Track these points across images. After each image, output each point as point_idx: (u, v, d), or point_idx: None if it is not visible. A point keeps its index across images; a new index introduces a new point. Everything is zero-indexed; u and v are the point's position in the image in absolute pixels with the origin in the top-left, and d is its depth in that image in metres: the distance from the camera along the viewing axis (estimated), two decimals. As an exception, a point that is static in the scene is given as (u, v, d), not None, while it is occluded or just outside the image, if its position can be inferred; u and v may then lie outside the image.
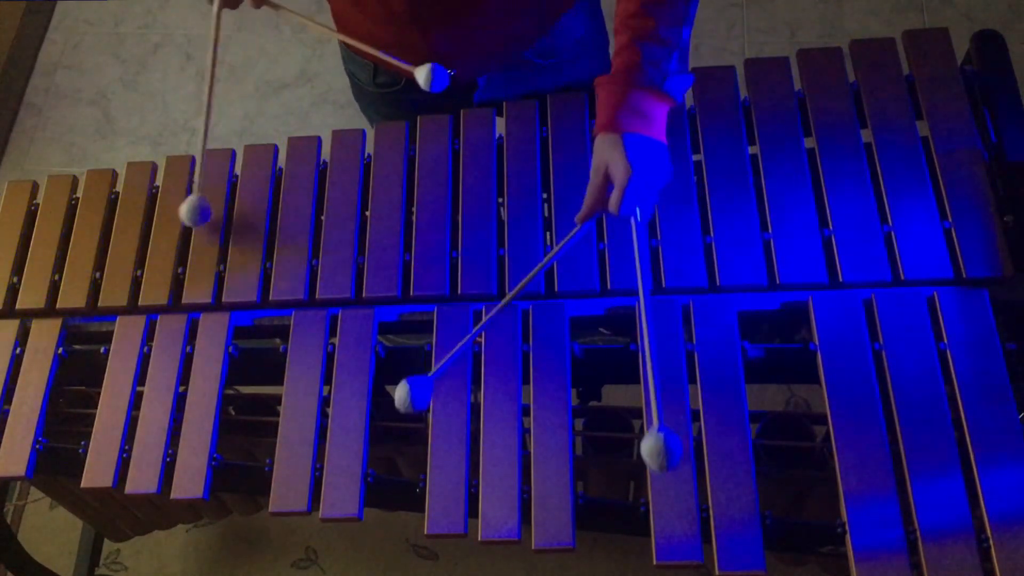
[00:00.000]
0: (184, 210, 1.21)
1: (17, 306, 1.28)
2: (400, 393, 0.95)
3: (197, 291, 1.24)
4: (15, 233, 1.34)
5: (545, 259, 1.04)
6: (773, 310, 1.15)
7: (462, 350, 1.05)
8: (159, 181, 1.36)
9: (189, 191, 1.32)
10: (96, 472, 1.14)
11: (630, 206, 0.97)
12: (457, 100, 1.29)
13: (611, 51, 1.06)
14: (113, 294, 1.26)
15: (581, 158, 1.25)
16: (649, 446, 0.88)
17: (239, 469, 1.17)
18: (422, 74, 1.09)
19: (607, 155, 0.99)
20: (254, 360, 1.21)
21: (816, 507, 1.26)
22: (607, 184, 1.00)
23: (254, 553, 1.94)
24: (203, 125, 1.23)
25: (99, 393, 1.19)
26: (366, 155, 1.32)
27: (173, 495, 1.11)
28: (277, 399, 1.16)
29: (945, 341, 1.07)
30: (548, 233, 1.22)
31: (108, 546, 1.95)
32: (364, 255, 1.23)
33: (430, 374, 0.98)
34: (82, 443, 1.16)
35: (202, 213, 1.23)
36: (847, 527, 0.98)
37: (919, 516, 0.98)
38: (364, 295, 1.20)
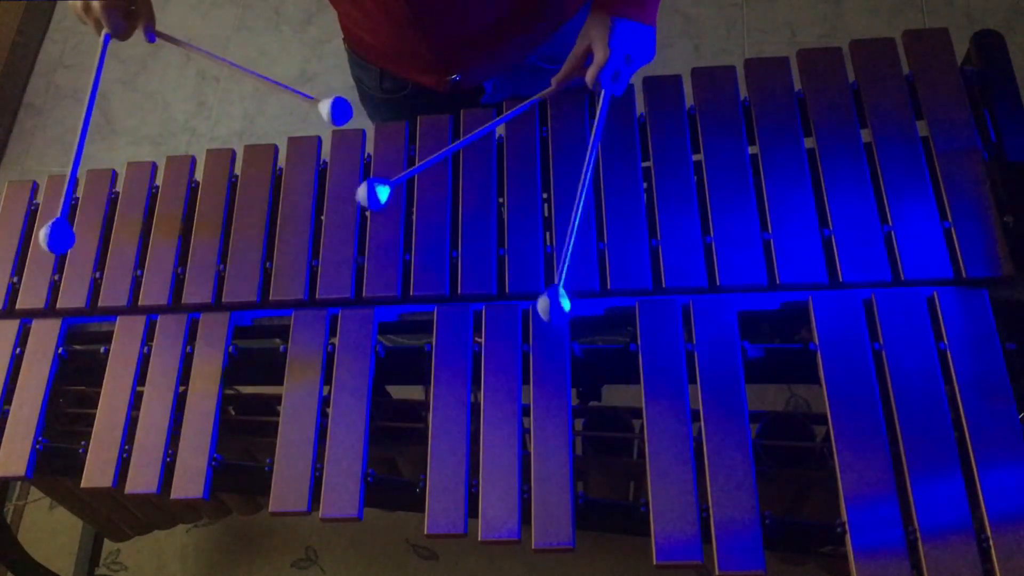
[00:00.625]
0: (42, 235, 1.09)
1: (17, 306, 1.28)
2: (361, 193, 1.01)
3: (197, 291, 1.24)
4: (15, 233, 1.34)
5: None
6: (773, 310, 1.15)
7: (435, 160, 1.14)
8: (159, 181, 1.36)
9: (189, 192, 1.33)
10: (96, 472, 1.14)
11: (604, 83, 1.09)
12: (464, 105, 1.30)
13: None
14: (113, 294, 1.26)
15: (581, 158, 1.24)
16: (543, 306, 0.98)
17: (239, 469, 1.17)
18: (324, 108, 1.14)
19: (594, 33, 1.08)
20: (254, 360, 1.21)
21: (816, 507, 1.26)
22: (586, 57, 1.09)
23: (254, 553, 1.94)
24: (76, 146, 1.19)
25: (99, 393, 1.19)
26: (366, 155, 1.32)
27: (173, 495, 1.11)
28: (277, 399, 1.16)
29: (945, 341, 1.07)
30: (548, 233, 1.22)
31: (108, 546, 1.95)
32: (364, 255, 1.23)
33: (393, 179, 1.05)
34: (82, 443, 1.16)
35: (60, 239, 1.10)
36: (847, 527, 0.98)
37: (919, 516, 0.98)
38: (364, 295, 1.20)
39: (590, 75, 1.09)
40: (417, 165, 1.13)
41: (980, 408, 1.02)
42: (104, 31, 1.16)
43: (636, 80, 1.29)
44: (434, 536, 1.05)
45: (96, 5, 1.12)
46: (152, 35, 1.19)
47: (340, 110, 1.12)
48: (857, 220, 1.15)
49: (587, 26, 1.10)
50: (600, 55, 1.07)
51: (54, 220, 1.10)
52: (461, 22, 1.17)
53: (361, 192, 1.02)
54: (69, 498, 1.49)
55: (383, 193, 1.02)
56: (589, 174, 1.07)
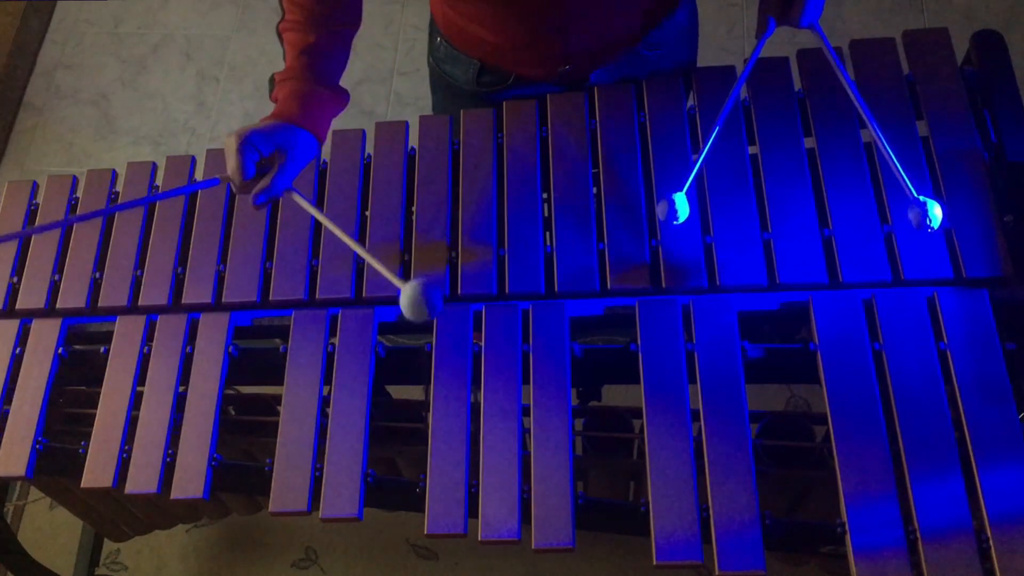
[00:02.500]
0: None
1: (17, 306, 1.28)
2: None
3: (197, 291, 1.24)
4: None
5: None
6: (773, 310, 1.15)
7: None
8: (159, 181, 1.36)
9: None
10: (96, 472, 1.14)
11: (811, 14, 1.05)
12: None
13: None
14: (113, 294, 1.26)
15: (581, 158, 1.25)
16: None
17: (239, 469, 1.17)
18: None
19: None
20: (254, 360, 1.21)
21: (816, 507, 1.26)
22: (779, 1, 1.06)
23: (254, 553, 1.94)
24: None
25: (99, 393, 1.19)
26: (366, 155, 1.32)
27: (173, 495, 1.11)
28: (277, 399, 1.16)
29: (945, 341, 1.07)
30: (548, 233, 1.22)
31: (108, 546, 1.95)
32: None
33: None
34: (82, 443, 1.16)
35: None
36: (847, 527, 0.98)
37: (919, 516, 0.98)
38: (364, 295, 1.20)
39: (796, 12, 1.05)
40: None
41: (980, 408, 1.02)
42: (226, 179, 1.06)
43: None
44: (434, 536, 1.05)
45: (230, 145, 1.03)
46: (261, 199, 1.05)
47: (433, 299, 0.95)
48: (857, 220, 1.15)
49: None
50: None
51: None
52: (600, 15, 1.18)
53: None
54: (69, 498, 1.49)
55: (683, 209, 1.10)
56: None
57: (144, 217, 1.32)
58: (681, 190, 1.10)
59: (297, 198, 1.08)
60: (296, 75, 1.10)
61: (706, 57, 2.38)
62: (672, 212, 1.09)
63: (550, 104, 1.29)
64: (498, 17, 1.18)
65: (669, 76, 1.29)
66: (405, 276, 1.21)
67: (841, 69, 1.08)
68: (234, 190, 1.08)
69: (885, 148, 1.05)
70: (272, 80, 1.12)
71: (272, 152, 1.05)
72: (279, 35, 1.14)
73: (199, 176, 1.35)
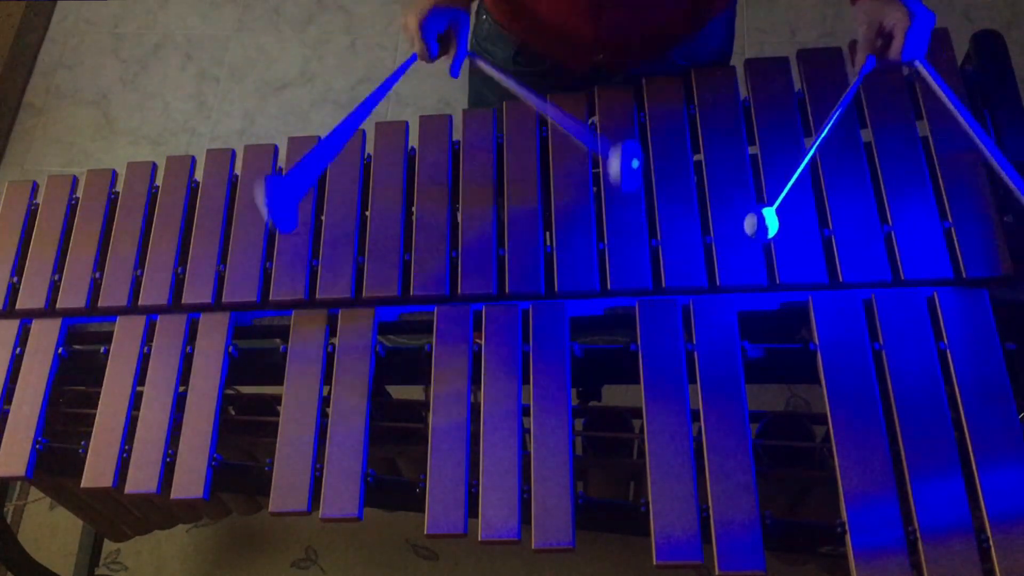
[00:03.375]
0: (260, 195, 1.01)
1: (17, 306, 1.28)
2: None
3: (197, 291, 1.24)
4: (15, 233, 1.34)
5: (806, 159, 1.06)
6: (773, 310, 1.15)
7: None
8: (159, 181, 1.36)
9: (189, 192, 1.32)
10: (96, 472, 1.14)
11: (913, 50, 1.03)
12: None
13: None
14: (113, 294, 1.26)
15: (581, 158, 1.25)
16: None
17: (239, 469, 1.17)
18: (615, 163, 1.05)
19: (878, 11, 1.04)
20: (254, 360, 1.21)
21: (816, 507, 1.26)
22: (878, 36, 1.05)
23: (254, 553, 1.94)
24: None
25: (99, 393, 1.19)
26: (366, 155, 1.32)
27: (173, 495, 1.11)
28: (277, 399, 1.16)
29: (945, 341, 1.07)
30: (548, 233, 1.22)
31: (108, 546, 1.95)
32: (364, 255, 1.23)
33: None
34: (82, 443, 1.16)
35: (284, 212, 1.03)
36: (847, 527, 0.98)
37: (919, 516, 0.98)
38: (364, 295, 1.20)
39: (896, 47, 1.04)
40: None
41: (980, 408, 1.02)
42: (414, 50, 1.18)
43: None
44: (434, 536, 1.05)
45: (413, 24, 1.15)
46: (457, 70, 1.19)
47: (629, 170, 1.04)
48: (857, 220, 1.15)
49: (866, 12, 1.06)
50: (904, 20, 1.02)
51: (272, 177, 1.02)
52: (639, 14, 1.19)
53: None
54: (69, 498, 1.49)
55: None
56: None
57: (144, 217, 1.32)
58: (772, 205, 1.03)
59: (482, 65, 1.21)
60: None
61: (706, 57, 2.38)
62: (762, 227, 1.01)
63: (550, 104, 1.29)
64: None
65: (669, 78, 1.30)
66: (406, 276, 1.21)
67: (957, 106, 1.06)
68: (423, 60, 1.18)
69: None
70: None
71: (447, 27, 1.16)
72: None
73: (199, 176, 1.35)
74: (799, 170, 1.05)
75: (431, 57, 1.17)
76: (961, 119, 1.06)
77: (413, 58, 1.20)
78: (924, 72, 1.05)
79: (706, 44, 1.29)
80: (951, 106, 1.07)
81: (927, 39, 1.05)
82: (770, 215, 1.01)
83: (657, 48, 1.27)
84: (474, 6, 1.21)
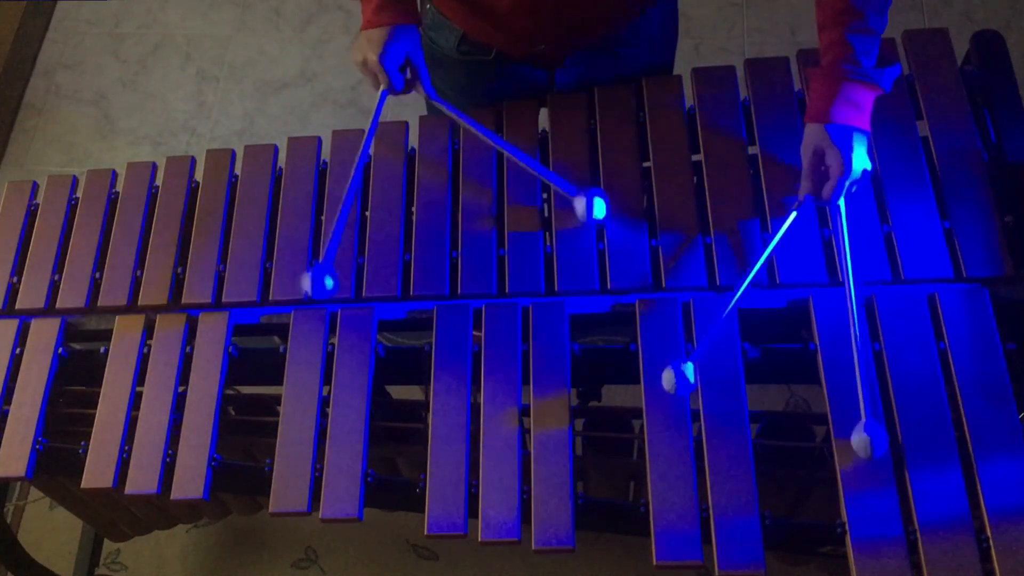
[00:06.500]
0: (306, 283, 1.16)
1: (17, 306, 1.28)
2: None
3: (197, 291, 1.24)
4: (15, 233, 1.34)
5: (768, 248, 1.11)
6: (774, 309, 1.15)
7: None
8: (159, 181, 1.36)
9: (189, 192, 1.32)
10: (96, 472, 1.14)
11: (839, 196, 1.09)
12: (539, 81, 1.31)
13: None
14: (113, 294, 1.26)
15: (580, 158, 1.25)
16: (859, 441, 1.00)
17: (239, 469, 1.17)
18: (581, 204, 1.15)
19: (823, 143, 1.08)
20: (254, 360, 1.21)
21: (816, 507, 1.26)
22: (819, 168, 1.09)
23: (254, 553, 1.94)
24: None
25: (99, 393, 1.19)
26: (366, 155, 1.32)
27: (173, 495, 1.11)
28: (277, 399, 1.16)
29: (945, 341, 1.07)
30: (548, 233, 1.22)
31: (108, 546, 1.95)
32: (364, 255, 1.23)
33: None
34: (82, 443, 1.16)
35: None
36: (847, 527, 0.98)
37: (919, 515, 0.98)
38: (364, 295, 1.20)
39: (828, 190, 1.09)
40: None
41: (980, 408, 1.02)
42: (381, 87, 1.21)
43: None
44: (434, 536, 1.05)
45: (373, 60, 1.16)
46: (431, 89, 1.23)
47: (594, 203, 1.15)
48: (857, 220, 1.15)
49: (811, 137, 1.09)
50: (838, 168, 1.07)
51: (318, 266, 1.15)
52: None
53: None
54: (69, 498, 1.49)
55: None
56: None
57: (144, 217, 1.32)
58: (692, 360, 1.05)
59: (438, 104, 1.24)
60: None
61: (706, 57, 2.39)
62: (682, 382, 1.03)
63: (550, 104, 1.29)
64: None
65: (671, 77, 1.30)
66: (406, 276, 1.21)
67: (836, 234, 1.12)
68: (393, 97, 1.21)
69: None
70: None
71: (405, 58, 1.18)
72: None
73: (199, 177, 1.35)
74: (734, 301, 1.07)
75: (398, 91, 1.20)
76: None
77: (384, 95, 1.22)
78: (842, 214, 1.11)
79: (646, 30, 1.28)
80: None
81: (846, 190, 1.09)
82: (688, 370, 1.03)
83: (596, 34, 1.26)
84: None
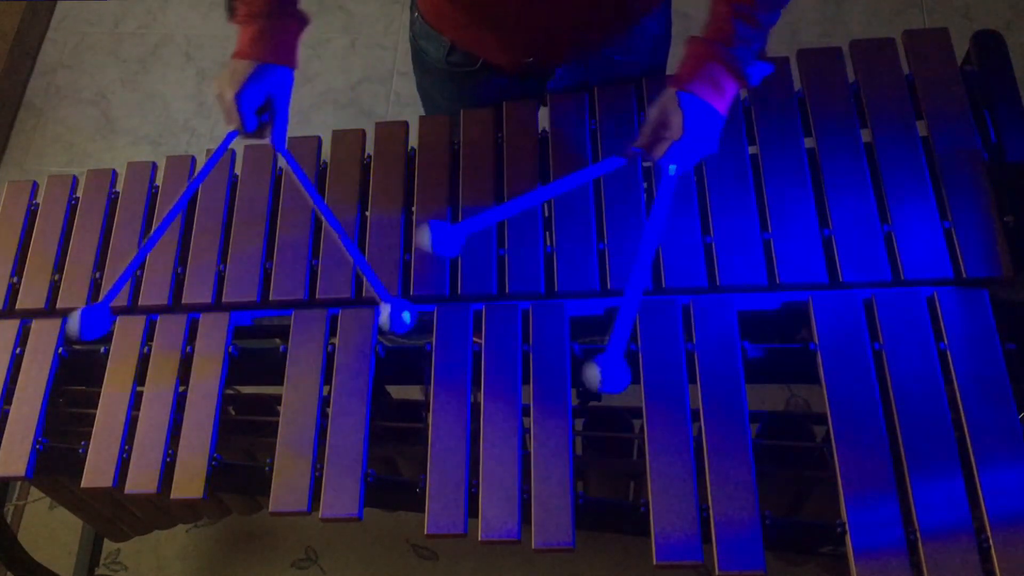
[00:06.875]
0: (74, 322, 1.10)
1: (17, 306, 1.28)
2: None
3: (197, 291, 1.24)
4: (15, 233, 1.34)
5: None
6: (773, 310, 1.15)
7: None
8: (159, 181, 1.36)
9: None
10: (96, 472, 1.14)
11: (669, 160, 1.08)
12: (532, 87, 1.30)
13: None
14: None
15: (581, 158, 1.25)
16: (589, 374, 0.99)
17: (239, 469, 1.17)
18: (385, 312, 1.07)
19: (671, 107, 1.06)
20: (254, 360, 1.21)
21: (816, 507, 1.26)
22: (660, 130, 1.08)
23: (254, 553, 1.94)
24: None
25: (99, 393, 1.19)
26: (366, 155, 1.32)
27: (173, 495, 1.11)
28: (277, 399, 1.16)
29: (945, 341, 1.07)
30: (548, 233, 1.22)
31: (108, 546, 1.95)
32: (364, 255, 1.23)
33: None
34: (82, 443, 1.16)
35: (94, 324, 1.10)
36: (847, 527, 0.98)
37: (919, 516, 0.98)
38: (364, 295, 1.20)
39: (659, 150, 1.08)
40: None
41: (980, 408, 1.02)
42: (231, 127, 1.13)
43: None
44: (434, 536, 1.05)
45: (228, 98, 1.10)
46: (281, 142, 1.15)
47: (397, 317, 1.07)
48: (857, 220, 1.15)
49: (665, 100, 1.07)
50: (674, 133, 1.06)
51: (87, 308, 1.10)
52: (567, 11, 1.18)
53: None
54: (69, 498, 1.49)
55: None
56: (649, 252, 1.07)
57: (144, 217, 1.32)
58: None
59: (285, 165, 1.17)
60: (262, 10, 1.11)
61: (706, 57, 2.38)
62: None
63: (550, 104, 1.29)
64: None
65: (670, 77, 1.29)
66: (406, 277, 1.21)
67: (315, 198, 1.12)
68: (242, 138, 1.14)
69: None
70: (231, 5, 1.13)
71: (266, 99, 1.11)
72: None
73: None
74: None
75: (247, 131, 1.12)
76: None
77: (232, 135, 1.15)
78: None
79: (642, 37, 1.27)
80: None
81: (692, 160, 1.09)
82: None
83: (586, 46, 1.26)
84: (298, 56, 1.15)
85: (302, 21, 1.15)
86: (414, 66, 1.42)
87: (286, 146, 1.16)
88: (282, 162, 1.32)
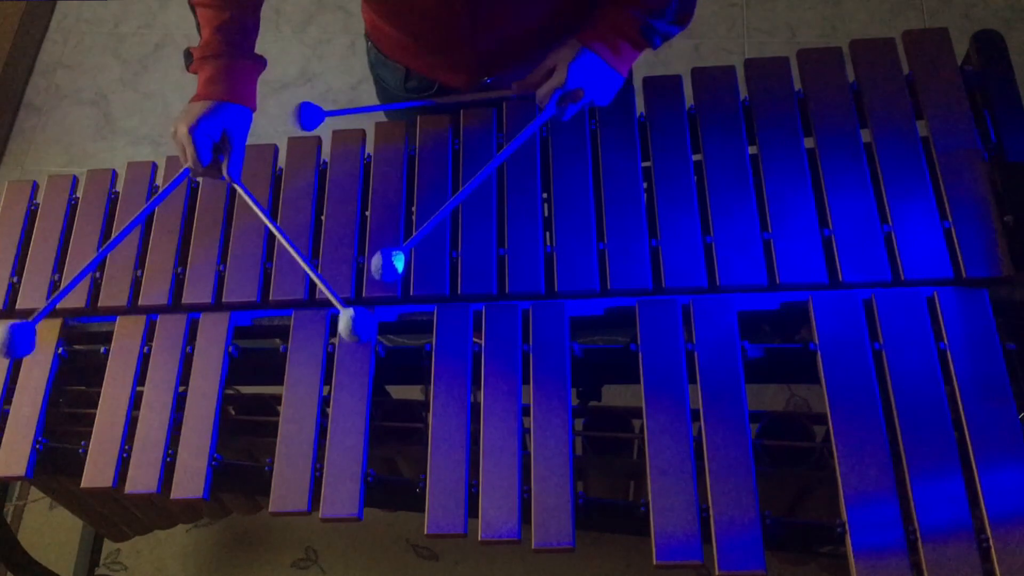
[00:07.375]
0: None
1: (17, 306, 1.28)
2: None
3: (197, 291, 1.24)
4: (15, 233, 1.34)
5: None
6: (773, 310, 1.15)
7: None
8: (159, 181, 1.36)
9: (189, 192, 1.32)
10: (96, 472, 1.14)
11: (551, 105, 1.14)
12: (491, 101, 1.30)
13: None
14: (113, 294, 1.26)
15: (581, 158, 1.25)
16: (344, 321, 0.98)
17: (239, 469, 1.17)
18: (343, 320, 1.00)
19: (562, 54, 1.13)
20: (254, 360, 1.21)
21: (816, 507, 1.26)
22: (550, 73, 1.14)
23: (254, 553, 1.94)
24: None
25: (99, 393, 1.19)
26: (366, 155, 1.32)
27: (173, 495, 1.11)
28: (277, 399, 1.16)
29: (945, 341, 1.07)
30: (548, 233, 1.22)
31: (108, 546, 1.95)
32: (363, 255, 1.23)
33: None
34: (82, 443, 1.16)
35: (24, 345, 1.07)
36: (847, 527, 0.98)
37: (919, 516, 0.98)
38: (364, 295, 1.20)
39: (541, 90, 1.14)
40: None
41: (980, 408, 1.02)
42: (185, 164, 1.12)
43: (636, 80, 1.29)
44: (434, 536, 1.05)
45: (183, 131, 1.10)
46: (236, 174, 1.14)
47: (362, 323, 1.00)
48: (857, 220, 1.15)
49: (564, 47, 1.13)
50: (558, 81, 1.12)
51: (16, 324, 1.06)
52: (514, 21, 1.19)
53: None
54: (69, 498, 1.49)
55: (399, 262, 1.00)
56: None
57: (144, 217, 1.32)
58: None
59: (240, 191, 1.17)
60: (216, 52, 1.13)
61: (706, 57, 2.39)
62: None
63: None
64: (413, 10, 1.18)
65: (671, 77, 1.29)
66: (406, 277, 1.20)
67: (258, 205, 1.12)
68: (194, 176, 1.15)
69: None
70: (188, 54, 1.16)
71: (222, 135, 1.13)
72: (192, 8, 1.16)
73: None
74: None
75: (202, 166, 1.11)
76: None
77: (185, 172, 1.15)
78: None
79: None
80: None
81: (574, 108, 1.14)
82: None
83: (540, 60, 1.24)
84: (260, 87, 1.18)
85: (258, 63, 1.18)
86: (376, 92, 1.44)
87: (240, 178, 1.15)
88: (282, 160, 1.33)
